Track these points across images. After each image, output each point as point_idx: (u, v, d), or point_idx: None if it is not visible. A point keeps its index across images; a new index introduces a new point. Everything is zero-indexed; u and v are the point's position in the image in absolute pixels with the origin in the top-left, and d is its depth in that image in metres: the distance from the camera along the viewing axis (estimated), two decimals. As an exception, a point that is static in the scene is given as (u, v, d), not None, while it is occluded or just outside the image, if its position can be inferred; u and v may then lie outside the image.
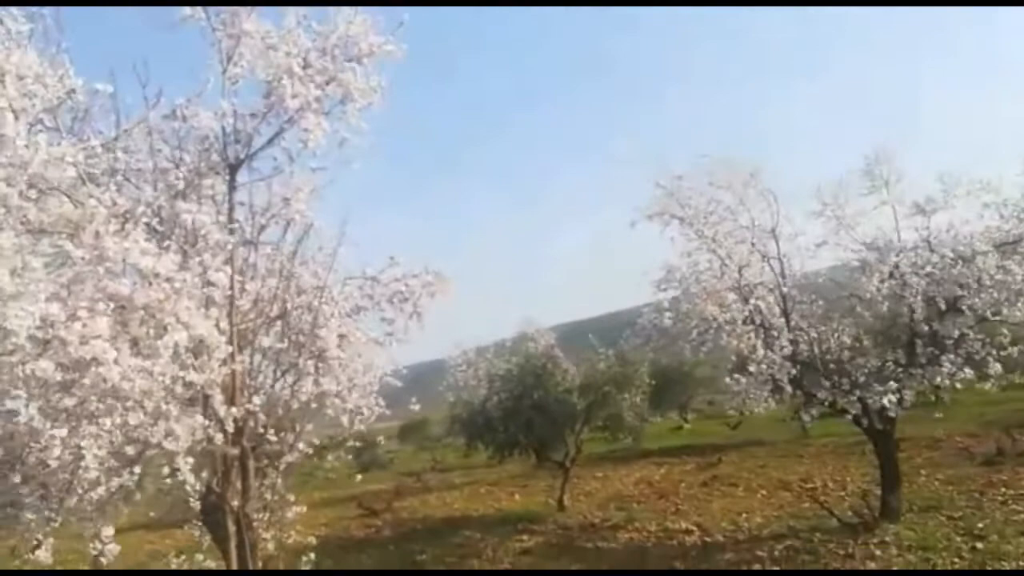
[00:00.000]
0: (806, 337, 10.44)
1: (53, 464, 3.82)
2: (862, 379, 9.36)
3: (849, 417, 10.19)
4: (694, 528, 12.10)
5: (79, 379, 3.84)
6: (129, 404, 4.11)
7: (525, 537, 13.01)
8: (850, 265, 10.99)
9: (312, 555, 7.05)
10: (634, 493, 16.00)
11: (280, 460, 6.30)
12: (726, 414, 32.31)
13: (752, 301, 10.30)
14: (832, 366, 10.07)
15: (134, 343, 4.25)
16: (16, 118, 4.02)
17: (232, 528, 5.33)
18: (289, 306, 5.85)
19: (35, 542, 4.42)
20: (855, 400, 9.39)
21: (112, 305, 4.02)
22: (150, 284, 4.08)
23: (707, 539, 11.44)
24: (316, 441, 6.64)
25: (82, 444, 3.89)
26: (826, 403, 9.83)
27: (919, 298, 9.00)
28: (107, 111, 5.06)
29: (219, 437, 4.73)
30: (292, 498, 6.75)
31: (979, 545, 9.02)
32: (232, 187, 5.46)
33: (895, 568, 8.79)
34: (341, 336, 6.07)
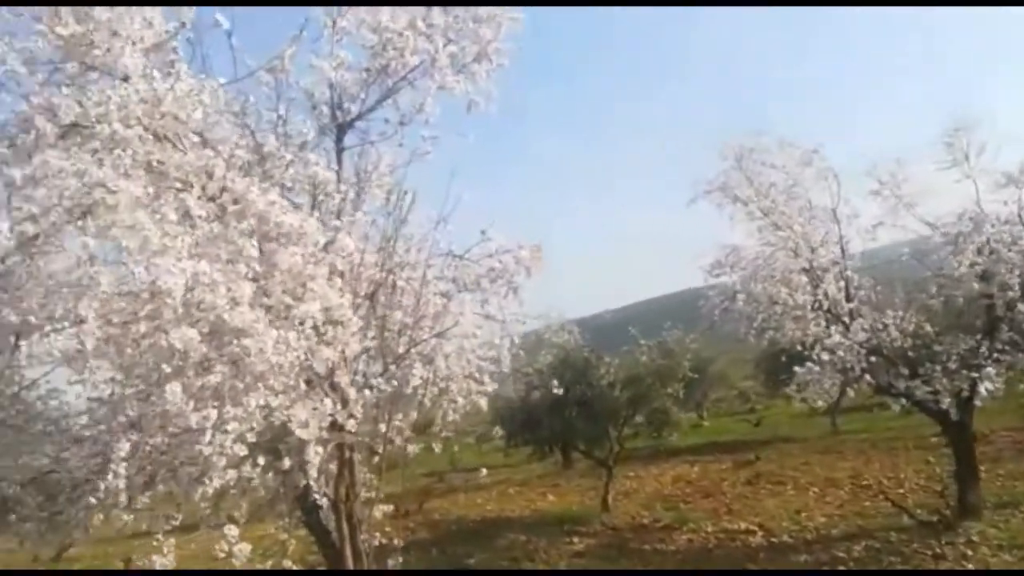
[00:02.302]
0: (878, 323, 9.99)
1: (207, 451, 3.26)
2: (953, 367, 8.90)
3: (902, 405, 9.74)
4: (755, 528, 11.61)
5: (225, 352, 3.29)
6: (270, 383, 3.57)
7: (575, 539, 12.49)
8: (914, 246, 10.60)
9: (400, 559, 6.52)
10: (676, 492, 15.49)
11: (375, 452, 5.77)
12: (743, 411, 32.29)
13: (823, 285, 9.87)
14: (910, 354, 9.61)
15: (265, 312, 3.72)
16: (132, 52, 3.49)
17: (346, 530, 4.77)
18: (392, 280, 5.28)
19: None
20: (942, 389, 8.94)
21: (251, 268, 3.48)
22: (295, 244, 3.53)
23: (772, 539, 10.97)
24: (408, 432, 6.11)
25: (228, 428, 3.34)
26: (906, 394, 9.37)
27: (1016, 274, 8.54)
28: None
29: (351, 423, 4.18)
30: (381, 495, 6.23)
31: (1076, 542, 8.61)
32: (341, 149, 4.92)
33: (993, 568, 8.37)
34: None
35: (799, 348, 10.27)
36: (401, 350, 5.43)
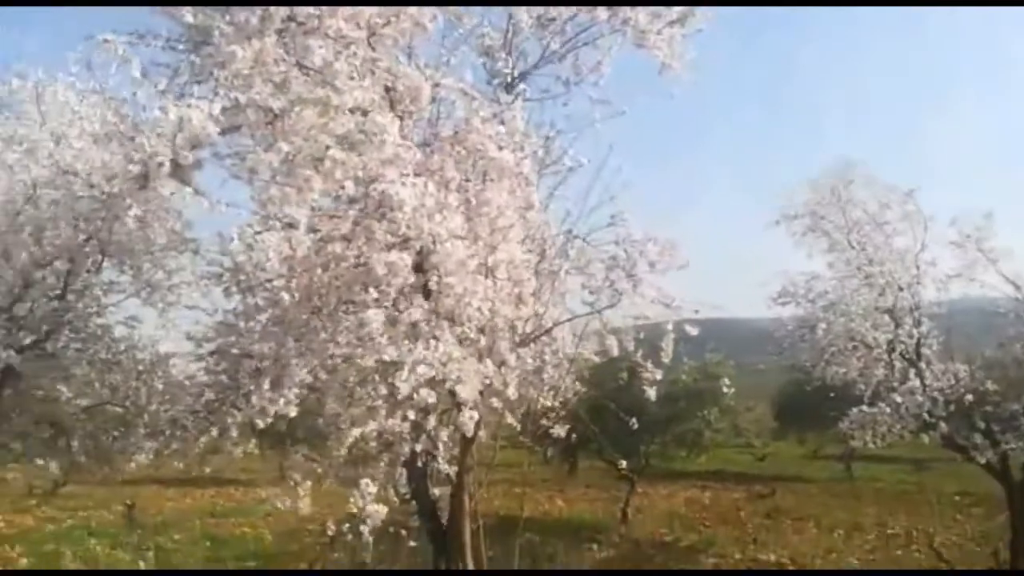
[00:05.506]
0: (950, 374, 9.66)
1: (405, 389, 2.91)
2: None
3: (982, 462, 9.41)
4: (787, 562, 11.29)
5: (431, 285, 2.94)
6: (457, 331, 3.22)
7: (595, 547, 12.14)
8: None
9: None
10: (690, 515, 15.19)
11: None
12: (739, 444, 31.91)
13: (904, 327, 9.55)
14: (988, 408, 9.27)
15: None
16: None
17: (466, 502, 4.43)
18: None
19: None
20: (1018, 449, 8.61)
21: (464, 202, 3.14)
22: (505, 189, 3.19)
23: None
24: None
25: (419, 371, 2.98)
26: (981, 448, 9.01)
27: None
28: None
29: (511, 391, 3.81)
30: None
31: None
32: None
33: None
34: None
35: (861, 389, 9.95)
36: (530, 328, 5.07)
